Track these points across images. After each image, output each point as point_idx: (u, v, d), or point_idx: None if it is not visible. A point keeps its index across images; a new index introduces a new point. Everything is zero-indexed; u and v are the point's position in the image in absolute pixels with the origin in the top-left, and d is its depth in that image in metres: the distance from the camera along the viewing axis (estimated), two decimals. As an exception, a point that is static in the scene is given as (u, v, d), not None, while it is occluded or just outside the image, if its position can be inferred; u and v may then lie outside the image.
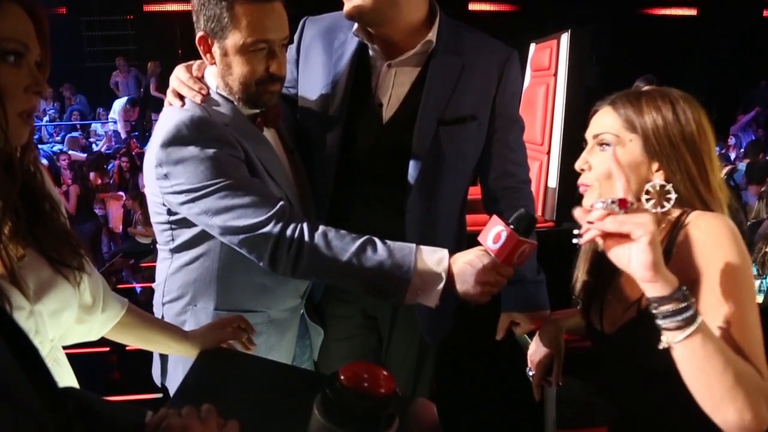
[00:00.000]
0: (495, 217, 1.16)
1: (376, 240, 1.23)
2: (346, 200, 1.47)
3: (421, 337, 1.56)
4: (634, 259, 0.86)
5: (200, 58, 1.31)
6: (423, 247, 1.23)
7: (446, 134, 1.40)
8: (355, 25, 1.39)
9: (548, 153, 2.82)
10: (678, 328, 0.87)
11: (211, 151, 1.21)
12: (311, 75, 1.47)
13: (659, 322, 0.88)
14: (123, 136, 8.73)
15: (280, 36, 1.24)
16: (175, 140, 1.22)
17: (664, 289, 0.87)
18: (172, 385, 1.38)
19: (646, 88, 1.11)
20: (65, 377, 1.03)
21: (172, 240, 1.34)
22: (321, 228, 1.23)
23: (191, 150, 1.21)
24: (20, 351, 0.62)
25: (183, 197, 1.23)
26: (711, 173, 1.05)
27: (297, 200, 1.39)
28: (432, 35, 1.39)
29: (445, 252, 1.22)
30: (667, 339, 0.88)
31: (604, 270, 1.20)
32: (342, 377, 0.90)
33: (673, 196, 1.03)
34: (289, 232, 1.20)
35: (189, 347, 1.18)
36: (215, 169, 1.20)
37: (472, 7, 9.98)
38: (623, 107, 1.07)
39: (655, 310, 0.88)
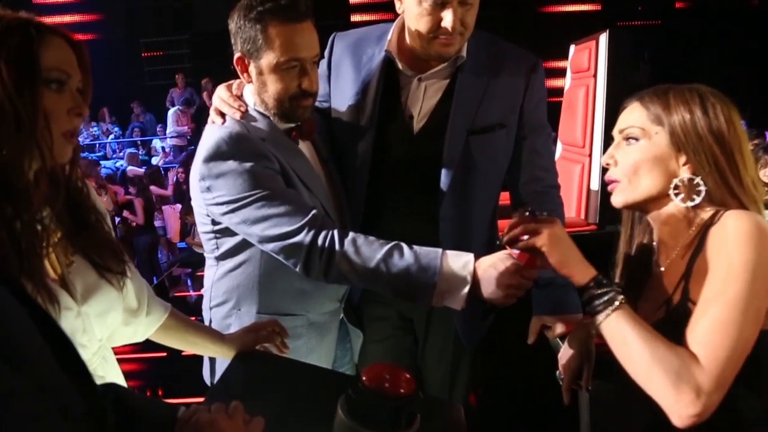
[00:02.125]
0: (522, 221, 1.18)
1: (404, 245, 1.27)
2: (379, 210, 1.52)
3: (457, 338, 1.59)
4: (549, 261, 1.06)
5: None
6: (448, 252, 1.26)
7: (476, 143, 1.44)
8: (387, 42, 1.46)
9: (590, 155, 2.78)
10: (597, 312, 1.00)
11: (248, 164, 1.29)
12: (342, 89, 1.53)
13: (586, 308, 1.01)
14: (173, 135, 9.05)
15: (311, 54, 1.31)
16: (216, 156, 1.31)
17: (581, 280, 1.03)
18: None
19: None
20: (112, 374, 1.11)
21: (217, 248, 1.43)
22: (351, 235, 1.28)
23: (230, 164, 1.29)
24: (62, 351, 0.69)
25: (224, 208, 1.31)
26: (743, 168, 1.03)
27: (332, 208, 1.45)
28: (463, 50, 1.44)
29: (470, 256, 1.25)
30: (596, 322, 1.00)
31: (636, 272, 1.19)
32: (364, 378, 0.94)
33: (702, 188, 1.02)
34: (320, 239, 1.26)
35: (226, 349, 1.25)
36: (252, 182, 1.28)
37: (354, 18, 9.73)
38: (651, 102, 1.07)
39: (581, 298, 1.03)
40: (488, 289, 1.21)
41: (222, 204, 1.32)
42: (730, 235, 0.95)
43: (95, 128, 9.81)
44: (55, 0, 10.01)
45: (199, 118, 9.62)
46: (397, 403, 0.92)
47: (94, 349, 1.05)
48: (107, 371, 1.09)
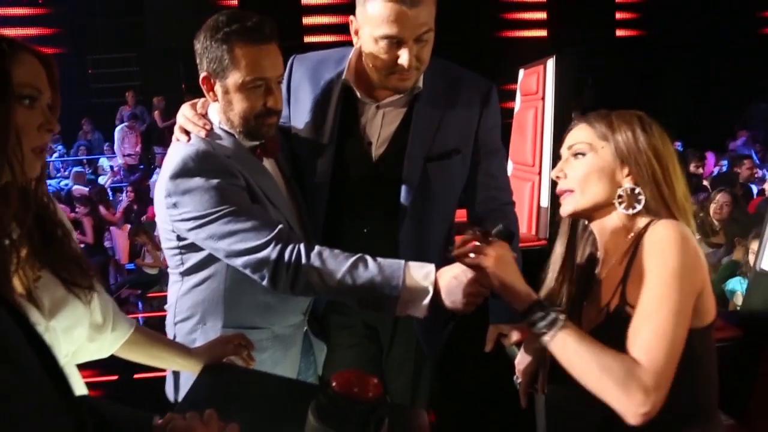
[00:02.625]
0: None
1: (368, 257, 1.32)
2: (338, 233, 1.55)
3: (419, 347, 1.64)
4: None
5: (203, 94, 1.42)
6: (411, 263, 1.32)
7: (433, 169, 1.51)
8: (345, 70, 1.51)
9: (539, 173, 2.92)
10: (542, 333, 1.06)
11: (214, 181, 1.31)
12: (301, 112, 1.57)
13: (532, 330, 1.07)
14: (120, 156, 8.84)
15: (276, 74, 1.36)
16: (182, 172, 1.33)
17: (521, 306, 1.10)
18: None
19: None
20: (77, 391, 1.10)
21: (182, 264, 1.44)
22: (317, 248, 1.32)
23: (197, 181, 1.32)
24: (47, 362, 0.70)
25: (191, 224, 1.33)
26: (676, 181, 1.15)
27: (296, 223, 1.49)
28: (420, 81, 1.49)
29: (431, 267, 1.31)
30: (543, 343, 1.07)
31: (580, 280, 1.28)
32: (334, 383, 0.98)
33: (642, 198, 1.13)
34: (287, 253, 1.29)
35: (193, 362, 1.26)
36: (219, 198, 1.31)
37: (308, 39, 9.84)
38: (596, 122, 1.18)
39: (524, 321, 1.09)
40: (449, 298, 1.27)
41: (188, 220, 1.34)
42: (659, 243, 1.06)
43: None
44: (1, 13, 9.70)
45: (149, 137, 9.45)
46: (366, 406, 0.96)
47: (61, 364, 1.04)
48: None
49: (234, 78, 1.32)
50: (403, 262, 1.31)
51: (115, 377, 3.18)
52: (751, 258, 2.91)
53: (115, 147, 9.09)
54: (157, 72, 10.01)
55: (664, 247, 1.05)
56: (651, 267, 1.05)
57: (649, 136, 1.14)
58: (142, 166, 8.99)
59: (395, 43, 1.35)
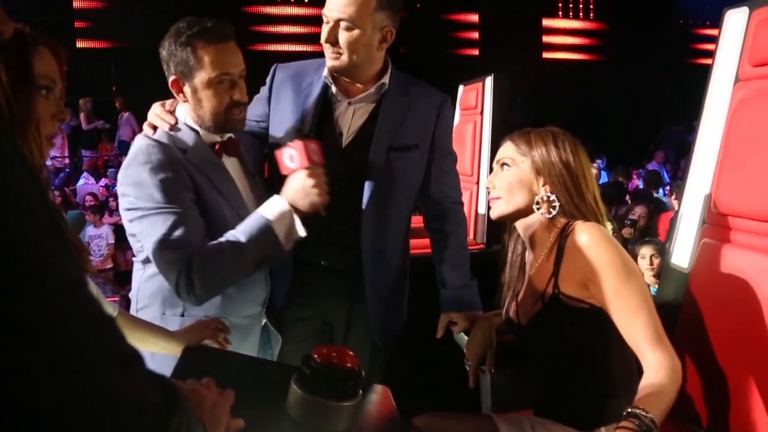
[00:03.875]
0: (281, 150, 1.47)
1: (232, 231, 1.44)
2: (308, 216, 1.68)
3: (373, 341, 1.77)
4: None
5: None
6: (260, 207, 1.46)
7: (395, 158, 1.69)
8: (325, 71, 1.68)
9: (477, 183, 3.14)
10: None
11: (158, 177, 1.40)
12: (282, 110, 1.73)
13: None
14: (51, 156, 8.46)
15: (239, 69, 1.48)
16: (131, 163, 1.44)
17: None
18: None
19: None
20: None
21: (142, 251, 1.51)
22: (197, 256, 1.39)
23: (141, 173, 1.41)
24: None
25: (129, 215, 1.45)
26: (585, 188, 1.36)
27: None
28: (385, 79, 1.70)
29: (274, 195, 1.47)
30: None
31: (513, 276, 1.47)
32: (315, 355, 1.10)
33: (557, 204, 1.34)
34: (185, 272, 1.38)
35: (174, 344, 1.34)
36: (157, 195, 1.39)
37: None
38: (518, 139, 1.40)
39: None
40: (304, 201, 1.43)
41: (127, 210, 1.45)
42: (591, 244, 1.26)
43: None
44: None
45: (75, 140, 9.10)
46: (345, 374, 1.09)
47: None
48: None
49: (201, 77, 1.44)
50: (253, 212, 1.46)
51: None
52: (641, 262, 3.26)
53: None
54: (86, 73, 9.68)
55: (596, 246, 1.25)
56: (599, 265, 1.23)
57: (560, 151, 1.35)
58: (68, 170, 8.64)
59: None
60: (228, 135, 1.56)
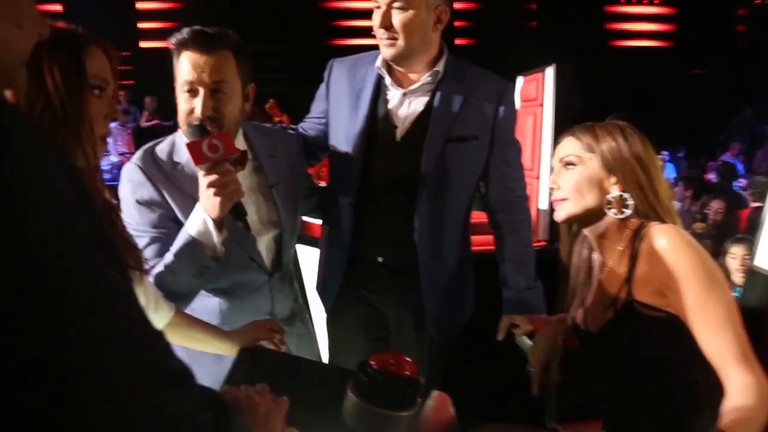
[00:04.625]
0: None
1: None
2: (365, 207, 1.67)
3: (430, 338, 1.71)
4: None
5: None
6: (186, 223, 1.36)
7: (451, 150, 1.62)
8: (378, 61, 1.64)
9: (537, 177, 3.02)
10: None
11: (134, 197, 1.40)
12: (338, 106, 1.70)
13: None
14: (115, 154, 8.80)
15: (203, 79, 1.36)
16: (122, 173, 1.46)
17: None
18: None
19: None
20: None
21: None
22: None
23: (124, 192, 1.42)
24: None
25: None
26: (659, 184, 1.25)
27: (261, 226, 1.54)
28: (440, 66, 1.63)
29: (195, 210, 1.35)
30: None
31: (584, 276, 1.37)
32: (372, 362, 1.05)
33: (630, 203, 1.22)
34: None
35: (229, 345, 1.32)
36: (135, 214, 1.40)
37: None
38: (582, 134, 1.28)
39: None
40: (206, 205, 1.30)
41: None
42: (671, 249, 1.15)
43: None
44: None
45: (139, 137, 9.42)
46: (403, 382, 1.04)
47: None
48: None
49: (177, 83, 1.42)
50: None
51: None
52: (731, 261, 3.04)
53: (110, 146, 9.05)
54: (152, 72, 9.98)
55: (677, 252, 1.14)
56: (680, 273, 1.13)
57: (630, 145, 1.24)
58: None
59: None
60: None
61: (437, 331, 1.72)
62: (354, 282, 1.72)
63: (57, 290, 0.42)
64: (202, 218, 1.32)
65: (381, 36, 1.57)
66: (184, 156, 1.43)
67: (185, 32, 1.36)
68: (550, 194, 1.34)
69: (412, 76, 1.64)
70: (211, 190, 1.28)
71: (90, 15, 9.54)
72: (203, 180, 1.29)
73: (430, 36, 1.59)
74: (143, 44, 10.21)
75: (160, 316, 1.26)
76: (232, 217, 1.34)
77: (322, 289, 1.82)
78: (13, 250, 0.40)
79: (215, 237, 1.32)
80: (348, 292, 1.73)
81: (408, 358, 1.08)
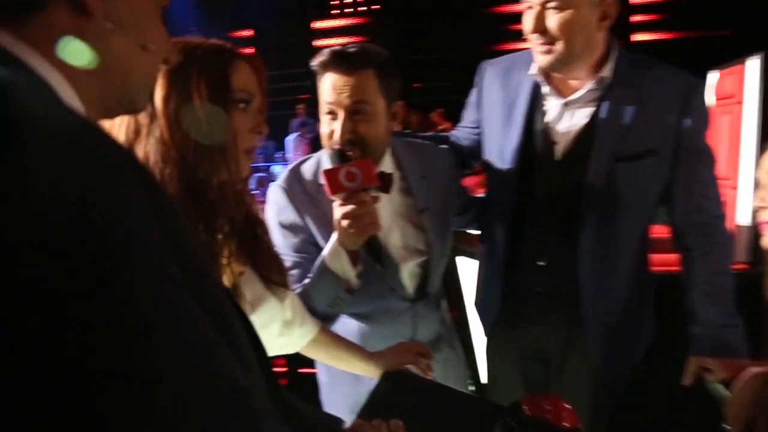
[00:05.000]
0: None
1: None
2: (523, 231, 1.50)
3: (596, 378, 1.50)
4: None
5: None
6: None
7: (624, 171, 1.38)
8: (533, 66, 1.44)
9: (735, 188, 2.57)
10: None
11: (276, 220, 1.38)
12: (491, 113, 1.54)
13: None
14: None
15: (338, 101, 1.30)
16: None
17: None
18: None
19: None
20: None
21: None
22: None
23: (269, 213, 1.40)
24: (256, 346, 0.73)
25: None
26: None
27: (406, 253, 1.44)
28: (606, 71, 1.39)
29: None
30: None
31: None
32: (525, 407, 0.91)
33: None
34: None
35: (372, 367, 1.26)
36: (278, 238, 1.36)
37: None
38: None
39: None
40: (342, 237, 1.25)
41: None
42: None
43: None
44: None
45: (316, 146, 10.05)
46: (561, 436, 0.88)
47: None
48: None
49: None
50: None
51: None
52: None
53: (289, 154, 9.78)
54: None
55: None
56: None
57: None
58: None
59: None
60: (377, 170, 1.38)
61: (606, 371, 1.49)
62: (512, 310, 1.56)
63: (130, 349, 0.38)
64: (336, 249, 1.27)
65: (535, 42, 1.36)
66: (310, 173, 1.41)
67: (326, 53, 1.32)
68: (755, 213, 1.08)
69: (574, 83, 1.42)
70: (345, 222, 1.22)
71: (275, 37, 10.49)
72: (337, 210, 1.23)
73: (595, 37, 1.35)
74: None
75: (304, 332, 1.24)
76: (364, 251, 1.27)
77: (479, 310, 1.68)
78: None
79: (349, 270, 1.27)
80: (505, 320, 1.58)
81: (567, 405, 0.92)
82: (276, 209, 1.40)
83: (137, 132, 0.93)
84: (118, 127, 0.94)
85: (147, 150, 0.93)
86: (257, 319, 1.07)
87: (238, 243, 1.08)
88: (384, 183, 1.37)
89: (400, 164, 1.46)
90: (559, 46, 1.32)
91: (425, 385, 1.22)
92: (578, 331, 1.47)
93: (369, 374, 1.27)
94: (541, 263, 1.47)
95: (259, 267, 1.10)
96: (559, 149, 1.44)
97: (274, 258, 1.13)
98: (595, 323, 1.45)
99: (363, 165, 1.21)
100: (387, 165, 1.42)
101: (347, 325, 1.46)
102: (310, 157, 1.47)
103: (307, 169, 1.44)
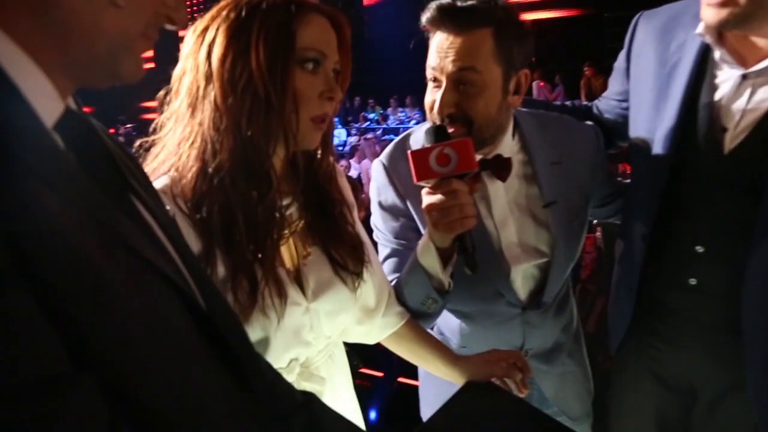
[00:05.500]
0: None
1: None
2: (662, 251, 1.17)
3: (756, 426, 1.14)
4: None
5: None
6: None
7: None
8: (701, 26, 1.06)
9: None
10: None
11: (377, 200, 1.26)
12: (643, 83, 1.19)
13: None
14: None
15: (441, 66, 1.09)
16: None
17: None
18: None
19: None
20: (337, 374, 1.06)
21: None
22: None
23: (372, 192, 1.27)
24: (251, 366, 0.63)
25: None
26: None
27: (521, 252, 1.21)
28: None
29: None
30: None
31: None
32: None
33: None
34: None
35: (457, 373, 1.10)
36: (378, 221, 1.26)
37: None
38: None
39: None
40: (431, 232, 1.05)
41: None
42: None
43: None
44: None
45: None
46: None
47: (321, 346, 1.01)
48: (331, 371, 1.04)
49: None
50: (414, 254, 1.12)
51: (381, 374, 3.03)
52: None
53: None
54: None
55: None
56: None
57: None
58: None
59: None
60: (493, 152, 1.16)
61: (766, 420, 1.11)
62: (646, 328, 1.26)
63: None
64: (426, 243, 1.09)
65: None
66: None
67: (433, 7, 1.08)
68: None
69: (761, 45, 1.01)
70: (431, 215, 1.02)
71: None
72: (425, 199, 1.02)
73: None
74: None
75: (386, 322, 1.12)
76: (456, 250, 1.05)
77: (610, 328, 1.38)
78: None
79: (439, 270, 1.08)
80: (639, 342, 1.28)
81: None
82: (376, 188, 1.26)
83: (197, 95, 0.86)
84: (183, 87, 0.87)
85: (203, 116, 0.86)
86: (321, 306, 0.97)
87: (307, 222, 0.98)
88: (499, 168, 1.15)
89: (526, 146, 1.21)
90: None
91: (508, 404, 1.02)
92: (734, 364, 1.11)
93: (453, 380, 1.11)
94: (692, 282, 1.14)
95: (328, 249, 0.99)
96: (730, 138, 1.06)
97: (352, 243, 1.01)
98: (755, 357, 1.07)
99: (460, 146, 0.98)
100: (506, 147, 1.19)
101: (449, 322, 1.31)
102: (419, 128, 1.27)
103: (415, 142, 1.25)
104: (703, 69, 1.09)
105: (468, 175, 1.01)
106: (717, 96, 1.07)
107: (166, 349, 0.49)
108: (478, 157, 1.16)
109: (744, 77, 1.04)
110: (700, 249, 1.10)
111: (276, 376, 0.80)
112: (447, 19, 1.07)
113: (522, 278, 1.24)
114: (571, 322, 1.37)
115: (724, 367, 1.16)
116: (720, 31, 1.03)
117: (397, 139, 1.29)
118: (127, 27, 0.51)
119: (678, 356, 1.22)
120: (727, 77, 1.06)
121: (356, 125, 11.08)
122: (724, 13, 0.95)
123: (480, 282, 1.17)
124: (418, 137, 1.25)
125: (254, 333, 0.89)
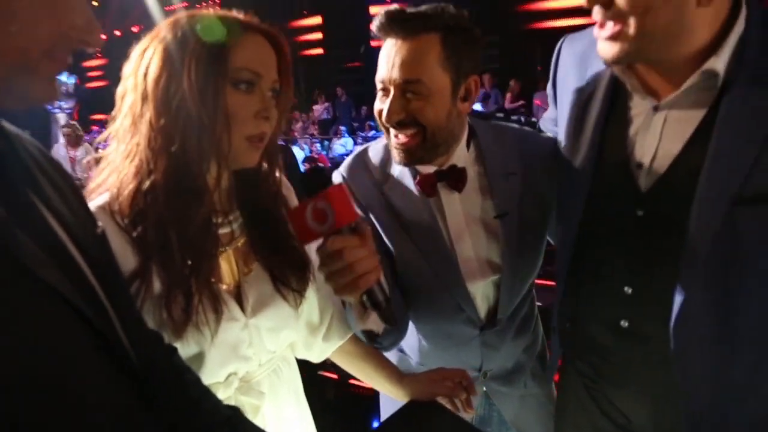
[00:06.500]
0: None
1: None
2: (582, 282, 1.11)
3: None
4: None
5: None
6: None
7: (747, 218, 0.88)
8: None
9: None
10: None
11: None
12: (563, 111, 1.15)
13: None
14: None
15: (389, 75, 1.09)
16: None
17: None
18: None
19: None
20: (282, 390, 1.06)
21: None
22: None
23: None
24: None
25: None
26: None
27: (477, 266, 1.20)
28: (717, 62, 0.87)
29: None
30: None
31: None
32: None
33: None
34: None
35: (401, 391, 1.11)
36: None
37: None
38: None
39: None
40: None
41: None
42: None
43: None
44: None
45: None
46: None
47: (262, 360, 1.01)
48: (275, 386, 1.04)
49: None
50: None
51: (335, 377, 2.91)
52: None
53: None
54: (516, 55, 10.23)
55: None
56: None
57: None
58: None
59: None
60: (447, 163, 1.16)
61: None
62: (578, 373, 1.20)
63: None
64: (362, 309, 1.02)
65: (597, 17, 0.91)
66: (396, 167, 1.21)
67: (381, 15, 1.07)
68: None
69: (674, 76, 0.93)
70: (324, 270, 0.88)
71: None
72: (317, 257, 0.90)
73: (690, 13, 0.85)
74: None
75: (330, 339, 1.12)
76: (367, 306, 0.91)
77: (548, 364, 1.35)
78: None
79: (360, 324, 1.04)
80: (572, 384, 1.22)
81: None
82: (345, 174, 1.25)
83: (135, 114, 0.88)
84: (125, 106, 0.89)
85: (140, 135, 0.87)
86: (261, 323, 0.98)
87: (249, 239, 0.99)
88: (455, 179, 1.15)
89: (482, 156, 1.20)
90: (630, 28, 0.87)
91: (449, 424, 1.02)
92: (664, 392, 1.05)
93: (398, 398, 1.11)
94: (623, 324, 1.06)
95: (270, 266, 1.00)
96: (644, 177, 0.98)
97: (296, 260, 1.02)
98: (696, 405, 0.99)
99: (333, 196, 0.83)
100: (461, 157, 1.18)
101: (408, 339, 1.30)
102: (379, 141, 1.27)
103: (375, 154, 1.25)
104: (616, 100, 1.03)
105: (353, 225, 0.86)
106: (631, 130, 1.01)
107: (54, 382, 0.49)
108: (433, 169, 1.17)
109: (656, 108, 0.97)
110: (628, 290, 1.04)
111: (203, 392, 0.81)
112: (395, 24, 1.07)
113: (481, 296, 1.23)
114: (535, 342, 1.35)
115: (661, 406, 1.08)
116: (617, 65, 0.97)
117: (357, 149, 1.30)
118: (25, 49, 0.51)
119: (614, 394, 1.15)
120: (640, 110, 1.00)
121: (362, 134, 11.15)
122: (616, 48, 0.89)
123: (440, 296, 1.18)
124: (377, 149, 1.26)
125: (189, 348, 0.90)
